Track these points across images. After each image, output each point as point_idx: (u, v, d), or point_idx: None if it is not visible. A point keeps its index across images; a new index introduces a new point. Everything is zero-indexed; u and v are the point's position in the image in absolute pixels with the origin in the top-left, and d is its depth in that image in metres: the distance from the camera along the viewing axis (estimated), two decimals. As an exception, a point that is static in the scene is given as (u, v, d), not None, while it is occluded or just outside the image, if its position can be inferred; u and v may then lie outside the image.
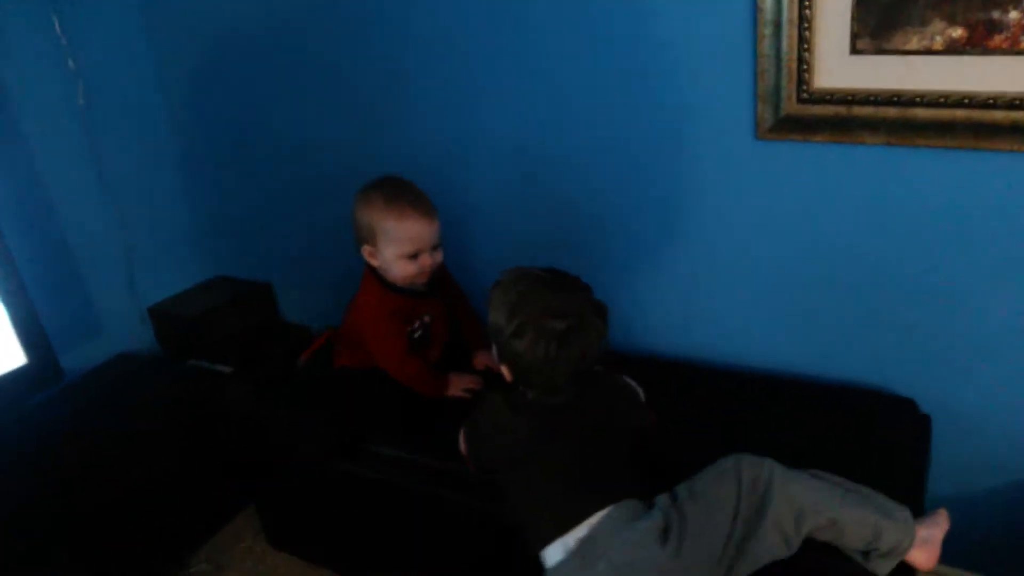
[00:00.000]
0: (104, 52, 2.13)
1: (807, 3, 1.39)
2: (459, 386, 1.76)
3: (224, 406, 2.01)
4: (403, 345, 1.73)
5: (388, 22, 1.84)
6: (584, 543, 1.30)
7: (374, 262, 1.70)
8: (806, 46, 1.42)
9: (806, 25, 1.40)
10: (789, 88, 1.47)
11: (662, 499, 1.34)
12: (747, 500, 1.27)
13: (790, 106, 1.48)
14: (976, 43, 1.30)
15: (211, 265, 2.50)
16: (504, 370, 1.41)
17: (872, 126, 1.43)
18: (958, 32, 1.31)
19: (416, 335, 1.77)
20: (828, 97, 1.44)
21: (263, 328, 2.38)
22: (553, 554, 1.33)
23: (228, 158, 2.30)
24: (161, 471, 1.88)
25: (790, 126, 1.50)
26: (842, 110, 1.44)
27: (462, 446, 1.52)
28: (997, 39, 1.29)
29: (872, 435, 1.51)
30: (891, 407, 1.58)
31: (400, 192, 1.66)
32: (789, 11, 1.41)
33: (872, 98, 1.41)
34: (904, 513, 1.28)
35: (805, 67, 1.44)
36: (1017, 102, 1.30)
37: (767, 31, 1.44)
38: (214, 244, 2.48)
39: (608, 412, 1.41)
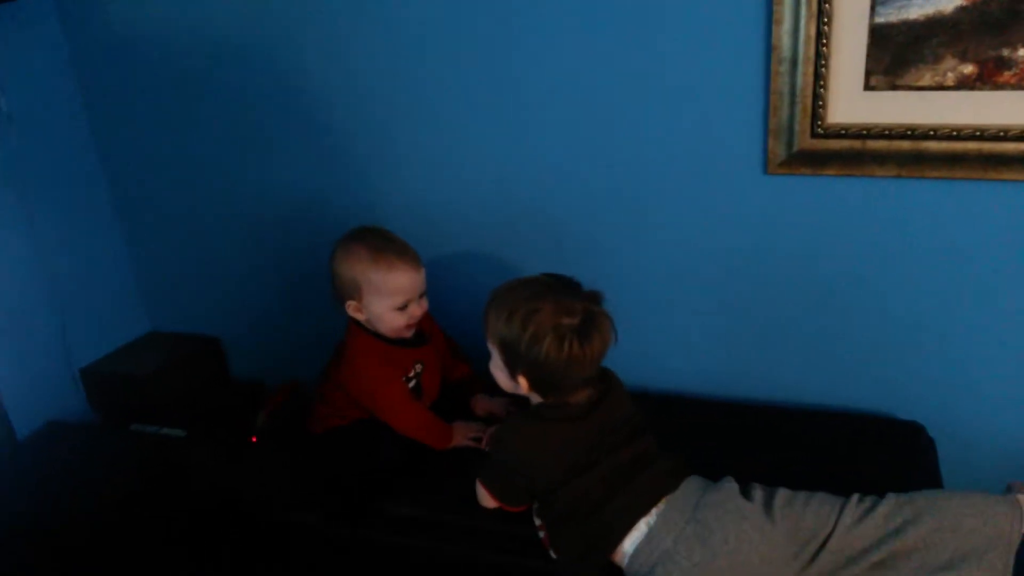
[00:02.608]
0: (36, 96, 1.94)
1: (824, 41, 1.43)
2: (465, 434, 1.67)
3: (188, 474, 1.82)
4: (405, 391, 1.65)
5: (349, 57, 1.77)
6: (667, 511, 1.29)
7: (360, 316, 1.63)
8: (822, 83, 1.46)
9: (823, 62, 1.45)
10: (803, 123, 1.50)
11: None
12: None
13: (803, 141, 1.52)
14: (987, 79, 1.39)
15: (143, 320, 2.29)
16: (522, 382, 1.37)
17: (882, 159, 1.49)
18: (969, 69, 1.39)
19: (410, 385, 1.68)
20: (843, 132, 1.49)
21: (212, 386, 2.19)
22: (635, 536, 1.29)
23: (168, 206, 2.12)
24: (124, 548, 1.67)
25: (801, 160, 1.53)
26: (856, 144, 1.49)
27: (486, 498, 1.44)
28: (1006, 75, 1.37)
29: (885, 461, 1.53)
30: (900, 432, 1.62)
31: (385, 243, 1.61)
32: (806, 49, 1.45)
33: (887, 132, 1.47)
34: None
35: (820, 103, 1.48)
36: (1026, 134, 1.39)
37: (782, 68, 1.47)
38: (150, 297, 2.27)
39: (628, 399, 1.43)
